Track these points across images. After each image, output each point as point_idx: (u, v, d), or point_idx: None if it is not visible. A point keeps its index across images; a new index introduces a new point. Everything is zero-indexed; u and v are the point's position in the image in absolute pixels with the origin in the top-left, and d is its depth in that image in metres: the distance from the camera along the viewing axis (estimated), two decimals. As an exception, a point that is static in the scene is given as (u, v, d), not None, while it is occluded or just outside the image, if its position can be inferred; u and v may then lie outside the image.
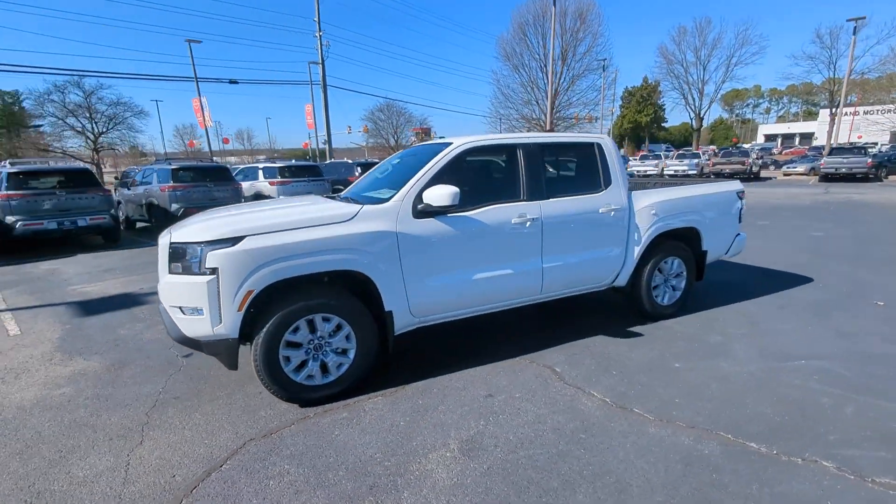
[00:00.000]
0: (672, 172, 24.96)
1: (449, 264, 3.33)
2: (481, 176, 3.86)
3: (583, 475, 2.29)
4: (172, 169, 11.62)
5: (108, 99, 29.60)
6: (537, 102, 33.91)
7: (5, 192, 8.95)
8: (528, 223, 3.54)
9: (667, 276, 4.39)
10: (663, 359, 3.55)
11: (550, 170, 3.92)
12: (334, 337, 3.04)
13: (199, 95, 28.75)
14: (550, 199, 3.69)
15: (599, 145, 4.04)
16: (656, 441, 2.54)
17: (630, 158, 30.99)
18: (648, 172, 25.83)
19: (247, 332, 2.86)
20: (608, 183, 3.98)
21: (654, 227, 4.13)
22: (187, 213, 8.91)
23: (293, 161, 17.35)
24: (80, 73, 28.63)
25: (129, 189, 13.43)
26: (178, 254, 2.82)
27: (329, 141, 31.18)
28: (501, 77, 34.50)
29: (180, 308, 2.82)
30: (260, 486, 2.27)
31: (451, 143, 3.51)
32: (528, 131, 31.34)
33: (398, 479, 2.29)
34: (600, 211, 3.86)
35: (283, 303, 2.87)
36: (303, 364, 2.99)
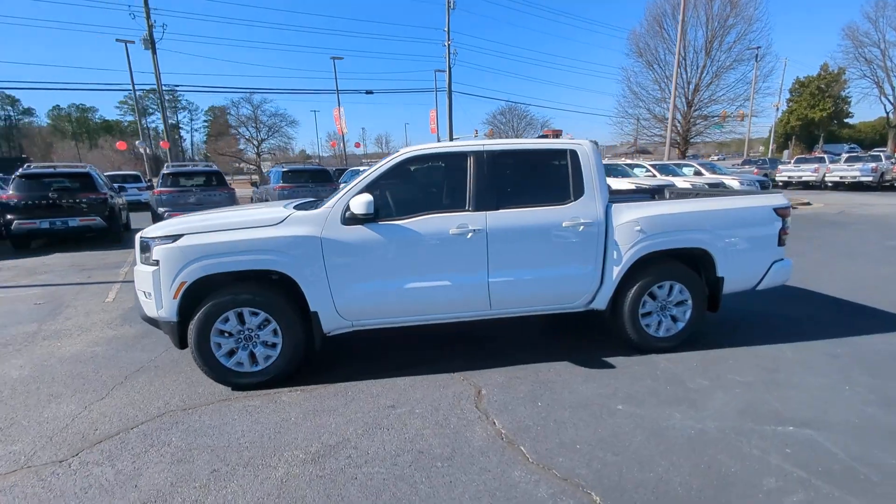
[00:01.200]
0: (837, 179, 20.55)
1: (378, 271, 3.36)
2: (424, 185, 3.79)
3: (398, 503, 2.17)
4: (283, 171, 13.43)
5: (269, 111, 35.09)
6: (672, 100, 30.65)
7: (159, 188, 11.31)
8: (470, 234, 3.38)
9: (663, 302, 3.76)
10: (609, 397, 3.09)
11: (509, 179, 3.65)
12: (262, 330, 3.31)
13: (339, 105, 32.10)
14: (501, 210, 3.46)
15: (574, 153, 3.65)
16: (510, 486, 2.27)
17: (782, 161, 26.25)
18: (802, 179, 21.62)
19: (187, 317, 3.28)
20: (579, 194, 3.58)
21: (639, 246, 3.59)
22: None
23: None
24: (251, 90, 34.49)
25: (258, 188, 15.97)
26: (143, 246, 3.35)
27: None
28: (632, 74, 31.90)
29: (143, 292, 3.35)
30: (140, 451, 2.63)
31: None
32: (662, 131, 28.61)
33: (240, 470, 2.44)
34: (564, 224, 3.49)
35: (215, 295, 3.22)
36: (232, 351, 3.31)
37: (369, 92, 32.26)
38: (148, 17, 24.92)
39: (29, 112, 69.97)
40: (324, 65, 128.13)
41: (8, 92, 62.95)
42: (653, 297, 3.74)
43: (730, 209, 3.78)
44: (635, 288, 3.66)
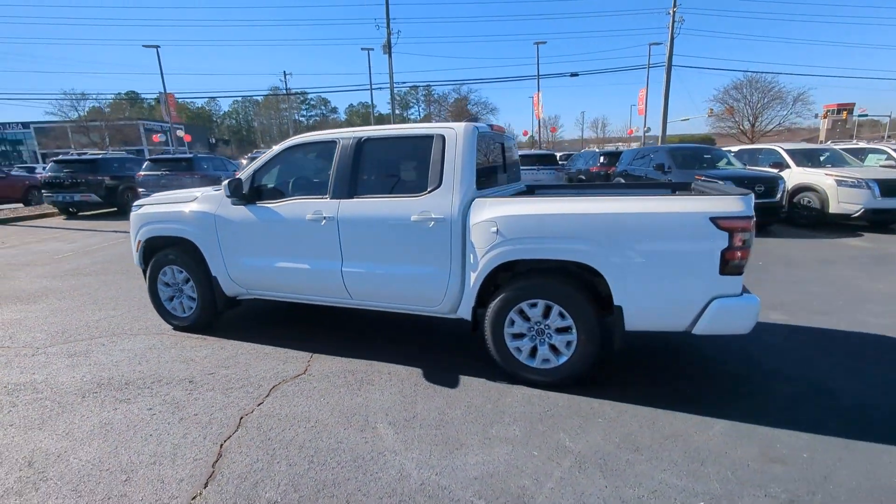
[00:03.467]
0: None
1: (254, 248, 3.73)
2: (302, 171, 3.85)
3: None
4: None
5: (474, 100, 37.62)
6: None
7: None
8: (324, 221, 3.41)
9: (539, 326, 3.01)
10: (375, 412, 2.76)
11: (371, 167, 3.43)
12: (186, 285, 4.10)
13: (538, 90, 32.11)
14: (353, 199, 3.36)
15: (442, 138, 3.19)
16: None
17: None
18: None
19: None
20: (436, 185, 3.14)
21: (496, 251, 2.96)
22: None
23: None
24: (460, 82, 37.49)
25: None
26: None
27: (664, 126, 29.04)
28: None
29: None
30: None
31: None
32: None
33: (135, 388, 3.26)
34: (412, 219, 3.15)
35: (160, 254, 4.14)
36: (171, 298, 4.21)
37: (574, 74, 31.19)
38: (388, 27, 29.62)
39: (334, 110, 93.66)
40: (528, 51, 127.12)
41: (315, 94, 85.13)
42: (525, 316, 3.03)
43: (627, 214, 2.69)
44: (497, 301, 3.04)
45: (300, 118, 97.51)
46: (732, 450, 2.38)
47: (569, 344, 2.95)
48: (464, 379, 3.19)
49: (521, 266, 3.08)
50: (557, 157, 13.36)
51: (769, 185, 7.93)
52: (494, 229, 2.95)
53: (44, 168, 17.91)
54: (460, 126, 3.21)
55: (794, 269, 5.90)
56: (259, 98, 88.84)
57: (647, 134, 32.60)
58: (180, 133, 32.59)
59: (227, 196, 3.64)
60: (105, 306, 4.91)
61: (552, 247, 2.85)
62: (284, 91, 59.20)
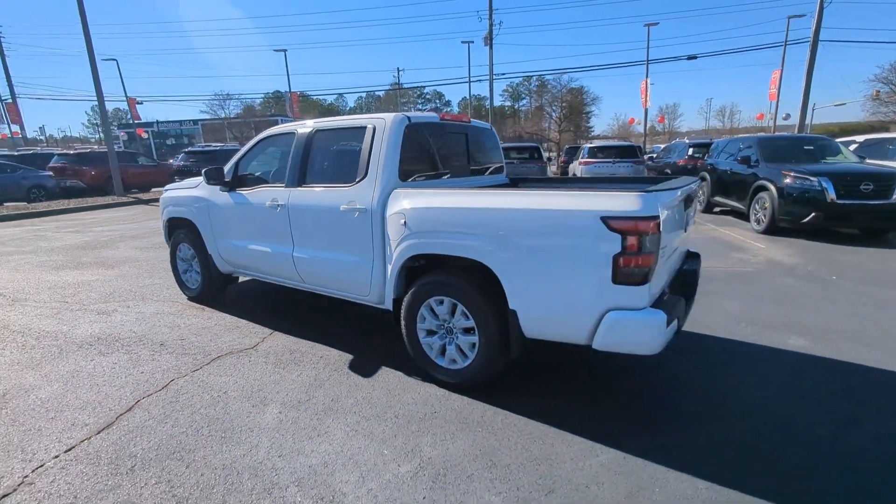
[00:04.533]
0: None
1: (234, 231, 4.10)
2: (272, 161, 4.03)
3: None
4: (590, 147, 13.37)
5: (564, 89, 35.64)
6: None
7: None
8: (278, 208, 3.63)
9: (447, 324, 2.87)
10: (258, 390, 2.88)
11: (319, 157, 3.51)
12: (193, 261, 4.66)
13: (647, 76, 29.61)
14: (301, 188, 3.51)
15: (373, 129, 3.17)
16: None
17: None
18: None
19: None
20: (363, 176, 3.14)
21: (404, 244, 2.89)
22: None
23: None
24: (560, 70, 35.75)
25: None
26: (173, 195, 5.23)
27: (803, 113, 24.89)
28: None
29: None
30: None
31: None
32: None
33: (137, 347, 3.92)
34: (342, 208, 3.20)
35: (175, 234, 4.75)
36: (186, 271, 4.82)
37: (692, 57, 28.06)
38: (490, 18, 29.58)
39: (447, 104, 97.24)
40: (638, 34, 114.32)
41: (430, 88, 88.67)
42: (434, 313, 2.91)
43: (518, 210, 2.40)
44: (408, 296, 2.96)
45: (416, 112, 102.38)
46: (596, 485, 2.05)
47: (473, 346, 2.77)
48: (383, 371, 3.18)
49: (434, 260, 2.96)
50: (638, 150, 12.13)
51: (882, 184, 6.37)
52: (403, 221, 2.88)
53: (177, 158, 21.28)
54: (389, 116, 3.17)
55: (877, 288, 4.70)
56: (380, 93, 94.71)
57: (785, 122, 28.06)
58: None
59: (206, 184, 4.06)
60: (155, 276, 5.77)
61: (450, 242, 2.70)
62: (398, 86, 62.21)
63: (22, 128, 34.85)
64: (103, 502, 2.01)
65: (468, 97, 55.69)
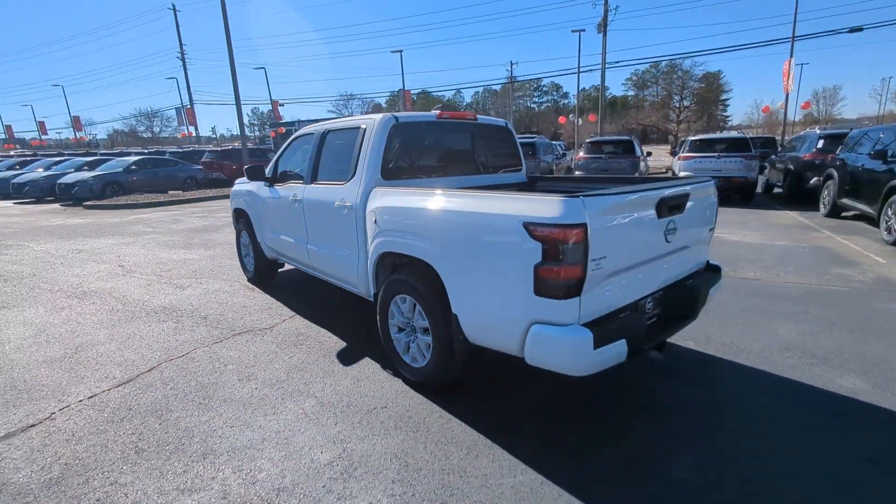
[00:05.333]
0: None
1: (270, 222, 4.56)
2: (302, 159, 4.28)
3: (124, 341, 3.80)
4: (692, 140, 11.71)
5: (697, 76, 31.65)
6: None
7: (582, 155, 12.91)
8: (296, 203, 3.95)
9: (411, 322, 2.89)
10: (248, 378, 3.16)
11: (328, 156, 3.69)
12: (249, 247, 5.27)
13: (791, 56, 25.56)
14: (312, 184, 3.77)
15: (364, 129, 3.27)
16: (136, 362, 3.39)
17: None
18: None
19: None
20: (353, 173, 3.27)
21: (376, 241, 2.98)
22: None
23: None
24: (685, 55, 31.89)
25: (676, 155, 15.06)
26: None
27: None
28: None
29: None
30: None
31: None
32: None
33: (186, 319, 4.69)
34: (335, 204, 3.38)
35: (238, 221, 5.42)
36: (245, 255, 5.47)
37: (855, 30, 23.46)
38: (606, 3, 27.95)
39: (565, 95, 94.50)
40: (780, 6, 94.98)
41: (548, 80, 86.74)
42: (401, 310, 2.95)
43: (456, 212, 2.31)
44: (381, 291, 3.04)
45: (532, 105, 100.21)
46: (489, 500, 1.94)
47: (429, 346, 2.76)
48: (364, 362, 3.31)
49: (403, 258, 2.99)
50: (749, 143, 10.43)
51: None
52: (374, 220, 2.96)
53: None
54: (378, 117, 3.25)
55: None
56: (496, 88, 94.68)
57: None
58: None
59: (247, 180, 4.56)
60: (235, 258, 6.63)
61: (406, 242, 2.71)
62: (512, 79, 61.62)
63: (196, 128, 42.04)
64: (86, 442, 2.46)
65: (581, 88, 53.06)
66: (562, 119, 33.89)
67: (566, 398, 2.78)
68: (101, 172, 16.29)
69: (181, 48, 36.71)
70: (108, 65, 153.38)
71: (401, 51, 34.81)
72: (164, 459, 2.30)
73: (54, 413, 2.75)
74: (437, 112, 3.49)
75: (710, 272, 3.00)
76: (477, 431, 2.46)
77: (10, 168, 20.60)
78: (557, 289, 1.99)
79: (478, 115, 3.83)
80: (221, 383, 3.07)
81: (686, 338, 3.45)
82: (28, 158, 23.15)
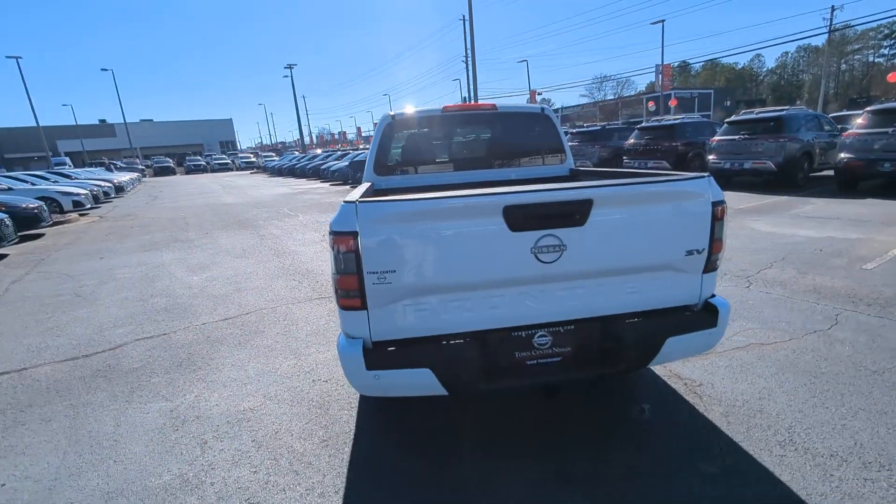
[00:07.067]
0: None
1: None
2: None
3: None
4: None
5: None
6: None
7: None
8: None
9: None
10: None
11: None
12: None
13: None
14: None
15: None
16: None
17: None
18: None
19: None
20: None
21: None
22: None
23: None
24: None
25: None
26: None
27: None
28: None
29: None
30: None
31: None
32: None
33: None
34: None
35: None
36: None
37: None
38: None
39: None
40: None
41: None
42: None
43: None
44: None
45: (878, 59, 72.51)
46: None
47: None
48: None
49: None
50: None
51: None
52: (355, 214, 3.16)
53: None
54: (385, 114, 3.36)
55: None
56: (818, 44, 72.57)
57: None
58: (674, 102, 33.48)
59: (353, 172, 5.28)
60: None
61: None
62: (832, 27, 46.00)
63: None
64: (118, 372, 3.46)
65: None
66: (891, 76, 23.14)
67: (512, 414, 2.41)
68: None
69: (470, 51, 39.84)
70: (414, 75, 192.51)
71: (663, 21, 30.97)
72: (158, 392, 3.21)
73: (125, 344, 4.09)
74: (444, 106, 3.35)
75: (699, 314, 2.01)
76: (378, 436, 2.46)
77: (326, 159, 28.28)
78: (340, 298, 1.85)
79: (497, 105, 3.42)
80: (261, 342, 3.89)
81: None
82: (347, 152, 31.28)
